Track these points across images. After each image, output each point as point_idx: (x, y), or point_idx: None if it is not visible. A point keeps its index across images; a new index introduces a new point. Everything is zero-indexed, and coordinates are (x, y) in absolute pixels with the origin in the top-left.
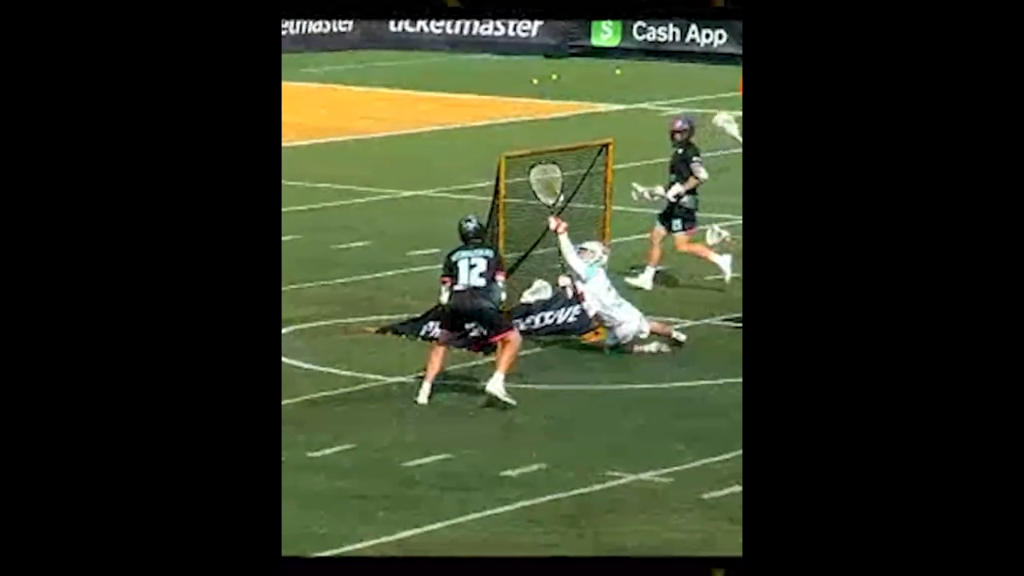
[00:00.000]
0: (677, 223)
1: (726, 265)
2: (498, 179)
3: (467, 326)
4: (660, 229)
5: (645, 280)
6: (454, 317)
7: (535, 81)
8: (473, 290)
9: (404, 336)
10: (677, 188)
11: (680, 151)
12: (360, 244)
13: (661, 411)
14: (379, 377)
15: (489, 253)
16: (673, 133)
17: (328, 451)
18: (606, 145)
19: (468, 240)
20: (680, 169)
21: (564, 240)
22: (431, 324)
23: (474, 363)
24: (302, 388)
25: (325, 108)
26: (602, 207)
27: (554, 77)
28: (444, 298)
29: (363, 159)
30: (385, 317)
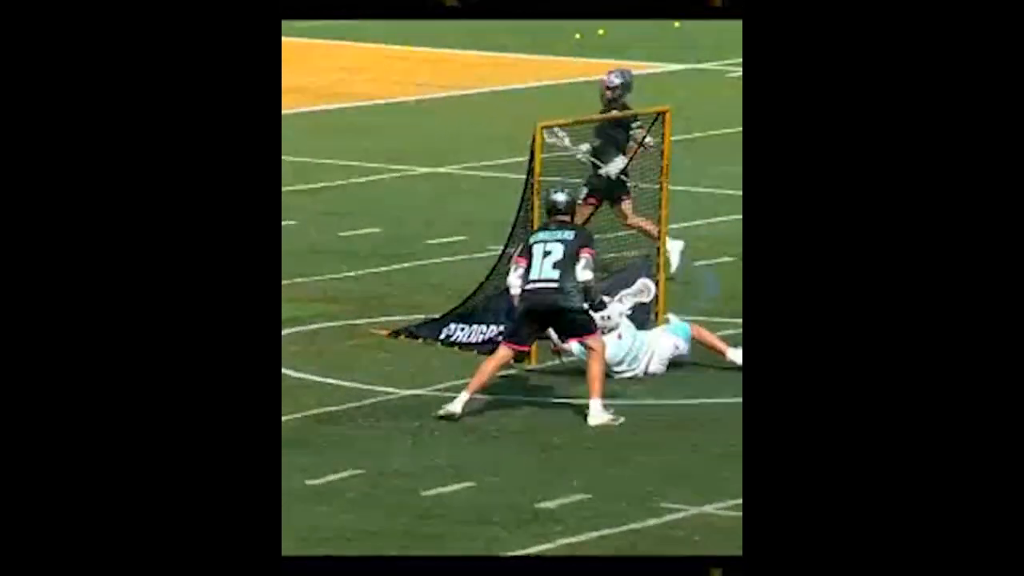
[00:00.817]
0: (583, 191)
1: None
2: (533, 153)
3: (540, 331)
4: (626, 205)
5: (674, 255)
6: (527, 319)
7: (578, 36)
8: (545, 285)
9: (421, 340)
10: (618, 162)
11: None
12: (369, 231)
13: (725, 431)
14: (391, 389)
15: (568, 235)
16: (604, 91)
17: (332, 478)
18: (662, 113)
19: (553, 216)
20: (615, 136)
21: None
22: (453, 326)
23: (503, 372)
24: (300, 402)
25: (327, 68)
26: (657, 186)
27: (600, 32)
28: (511, 280)
29: (372, 129)
30: (398, 318)
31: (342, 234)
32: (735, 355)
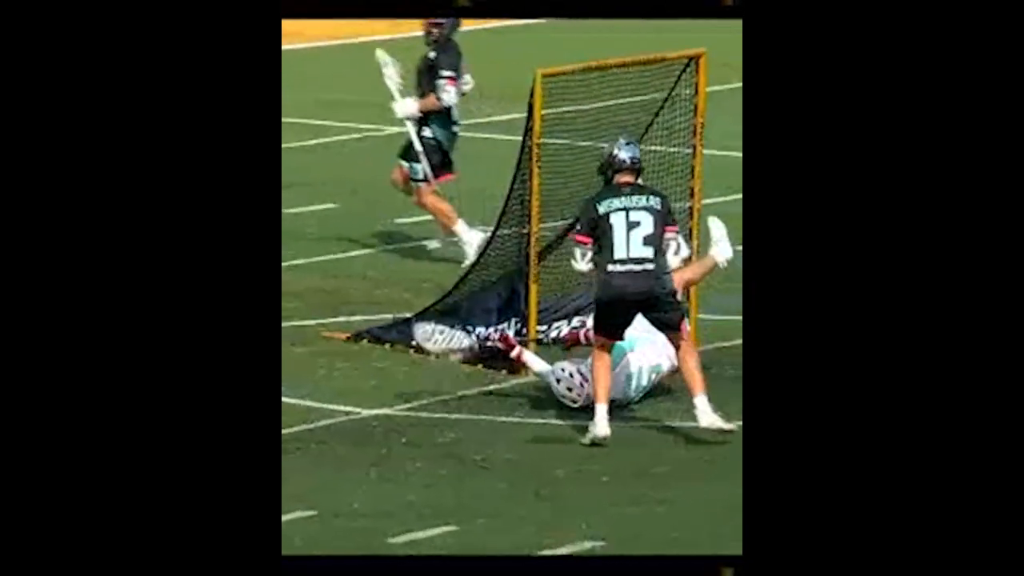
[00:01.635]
0: (415, 168)
1: (468, 235)
2: (531, 108)
3: (631, 320)
4: (403, 167)
5: (470, 243)
6: (617, 309)
7: None
8: (639, 267)
9: (389, 346)
10: (409, 105)
11: (432, 55)
12: (323, 207)
13: None
14: (351, 408)
15: (655, 202)
16: (429, 28)
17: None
18: (695, 58)
19: (619, 175)
20: (425, 82)
21: (531, 358)
22: (429, 328)
23: (492, 386)
24: None
25: None
26: (689, 150)
27: None
28: (581, 267)
29: (328, 76)
30: (360, 318)
31: (288, 211)
32: (722, 258)
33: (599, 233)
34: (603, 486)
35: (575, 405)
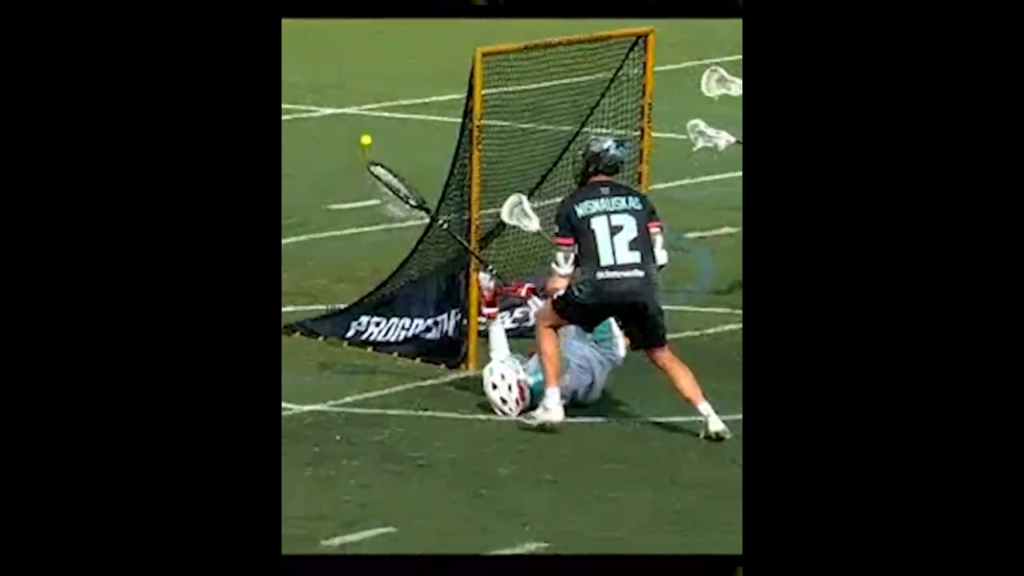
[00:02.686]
0: None
1: None
2: (471, 88)
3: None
4: None
5: None
6: (599, 315)
7: None
8: (629, 274)
9: (322, 339)
10: None
11: None
12: None
13: (729, 459)
14: (283, 405)
15: (636, 203)
16: None
17: None
18: (643, 36)
19: (597, 175)
20: None
21: (496, 332)
22: (364, 320)
23: (431, 381)
24: None
25: None
26: (637, 133)
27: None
28: (562, 269)
29: None
30: (290, 309)
31: None
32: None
33: (581, 239)
34: (548, 486)
35: (499, 415)
